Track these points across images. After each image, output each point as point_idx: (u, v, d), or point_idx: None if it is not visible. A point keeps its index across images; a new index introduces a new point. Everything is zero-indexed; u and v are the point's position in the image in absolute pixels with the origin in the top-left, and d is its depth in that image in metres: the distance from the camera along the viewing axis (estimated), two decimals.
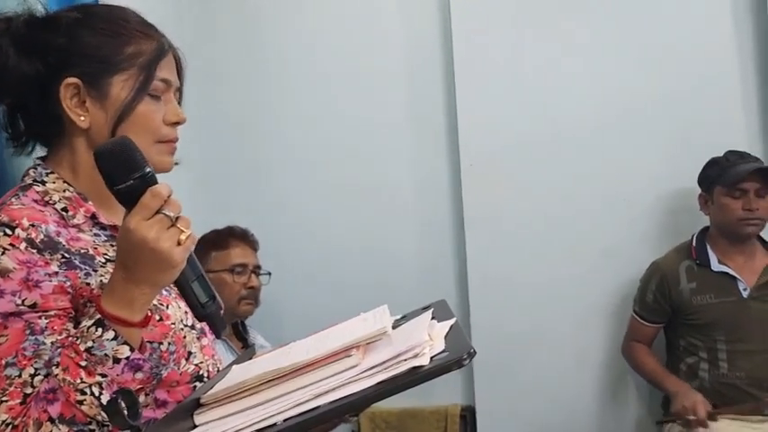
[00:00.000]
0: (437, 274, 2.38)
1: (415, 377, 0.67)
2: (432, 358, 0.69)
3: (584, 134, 2.28)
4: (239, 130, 2.44)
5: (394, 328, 0.80)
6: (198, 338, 0.89)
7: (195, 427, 0.73)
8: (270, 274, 2.07)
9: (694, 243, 2.05)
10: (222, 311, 0.83)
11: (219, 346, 1.72)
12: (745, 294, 1.95)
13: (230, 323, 1.96)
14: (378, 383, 0.68)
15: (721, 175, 1.97)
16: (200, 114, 2.09)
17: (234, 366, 0.85)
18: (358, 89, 2.39)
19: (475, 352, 0.66)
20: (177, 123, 0.90)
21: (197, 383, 0.87)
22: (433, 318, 0.84)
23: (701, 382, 1.95)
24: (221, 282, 1.89)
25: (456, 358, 0.66)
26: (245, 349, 1.77)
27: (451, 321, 0.82)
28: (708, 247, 2.03)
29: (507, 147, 2.29)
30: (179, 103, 0.92)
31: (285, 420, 0.68)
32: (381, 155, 2.42)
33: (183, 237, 0.74)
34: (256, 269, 2.01)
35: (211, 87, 2.31)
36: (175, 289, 0.83)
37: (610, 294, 2.28)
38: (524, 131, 2.28)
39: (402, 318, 0.90)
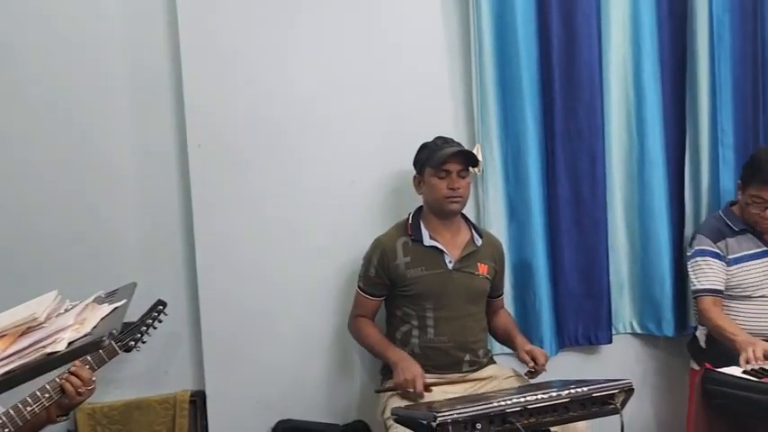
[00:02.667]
0: (165, 256, 2.29)
1: (48, 362, 0.62)
2: (72, 342, 0.65)
3: (312, 119, 2.35)
4: None
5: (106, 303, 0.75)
6: None
7: None
8: None
9: (410, 220, 2.23)
10: None
11: None
12: (450, 266, 2.17)
13: None
14: (6, 372, 0.62)
15: (430, 158, 2.17)
16: None
17: None
18: (76, 64, 2.22)
19: (116, 332, 0.64)
20: None
21: None
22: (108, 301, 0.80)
23: (413, 348, 2.14)
24: None
25: (94, 340, 0.63)
26: None
27: (119, 303, 0.78)
28: (421, 223, 2.22)
29: (236, 129, 2.28)
30: None
31: None
32: (103, 134, 2.26)
33: None
34: None
35: None
36: None
37: (338, 272, 2.40)
38: (252, 114, 2.29)
39: (112, 293, 0.86)
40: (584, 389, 1.57)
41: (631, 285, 2.69)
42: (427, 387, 1.99)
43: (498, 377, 2.14)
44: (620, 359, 2.71)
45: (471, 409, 1.49)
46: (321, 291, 2.38)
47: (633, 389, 1.63)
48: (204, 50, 2.25)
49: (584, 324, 2.59)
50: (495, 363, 2.26)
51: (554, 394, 1.54)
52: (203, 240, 2.26)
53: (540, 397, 1.52)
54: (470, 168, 2.24)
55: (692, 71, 2.66)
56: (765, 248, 2.46)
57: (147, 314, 2.04)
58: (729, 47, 2.71)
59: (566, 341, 2.58)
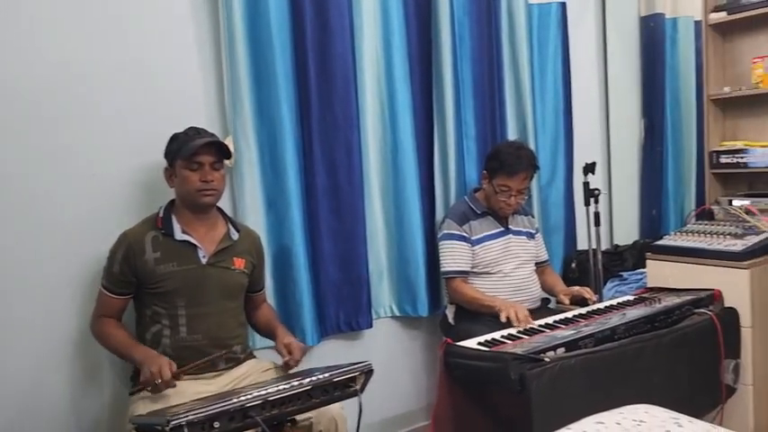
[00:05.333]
0: None
1: None
2: None
3: (52, 110, 2.10)
4: None
5: None
6: None
7: None
8: None
9: (161, 214, 2.10)
10: None
11: None
12: (204, 261, 2.08)
13: None
14: None
15: (180, 149, 2.05)
16: None
17: None
18: None
19: None
20: None
21: None
22: None
23: (164, 349, 2.01)
24: None
25: None
26: None
27: None
28: (173, 217, 2.10)
29: None
30: None
31: None
32: None
33: None
34: None
35: None
36: None
37: (83, 270, 2.18)
38: None
39: None
40: (326, 375, 1.60)
41: (389, 270, 2.83)
42: (177, 375, 1.86)
43: (256, 372, 2.11)
44: (382, 342, 2.84)
45: (209, 408, 1.43)
46: (61, 293, 2.15)
47: (372, 370, 1.69)
48: None
49: (346, 311, 2.66)
50: (254, 357, 2.23)
51: (295, 383, 1.54)
52: None
53: (281, 387, 1.51)
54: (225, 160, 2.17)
55: (437, 67, 2.86)
56: (503, 229, 2.74)
57: None
58: (469, 46, 2.96)
59: (328, 329, 2.63)
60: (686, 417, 1.32)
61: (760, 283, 2.54)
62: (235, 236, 2.15)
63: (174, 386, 1.86)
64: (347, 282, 2.65)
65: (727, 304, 2.52)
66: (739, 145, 3.17)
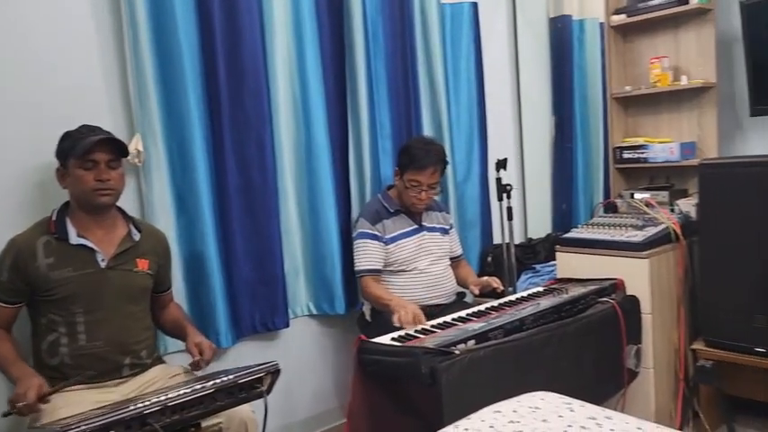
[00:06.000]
0: None
1: None
2: None
3: None
4: None
5: None
6: None
7: None
8: None
9: (54, 217, 2.00)
10: None
11: None
12: (103, 265, 1.99)
13: None
14: None
15: (73, 148, 1.96)
16: None
17: None
18: None
19: None
20: None
21: None
22: None
23: (62, 358, 1.93)
24: None
25: None
26: None
27: None
28: (68, 220, 2.00)
29: None
30: None
31: None
32: None
33: None
34: None
35: None
36: None
37: None
38: None
39: None
40: (230, 377, 1.57)
41: (306, 269, 2.81)
42: (43, 398, 1.75)
43: (164, 377, 2.04)
44: (300, 341, 2.82)
45: (105, 417, 1.38)
46: None
47: (279, 370, 1.67)
48: None
49: (261, 311, 2.63)
50: (163, 362, 2.16)
51: (198, 387, 1.51)
52: None
53: (182, 392, 1.47)
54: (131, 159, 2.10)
55: (351, 66, 2.86)
56: (416, 226, 2.77)
57: None
58: (383, 45, 2.98)
59: (243, 330, 2.59)
60: (578, 401, 1.38)
61: (658, 272, 2.67)
62: (137, 236, 2.08)
63: (37, 410, 1.74)
64: (262, 281, 2.61)
65: (629, 292, 2.64)
66: (640, 141, 3.32)
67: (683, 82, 3.14)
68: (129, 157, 2.12)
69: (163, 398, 1.45)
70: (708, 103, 3.14)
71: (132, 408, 1.41)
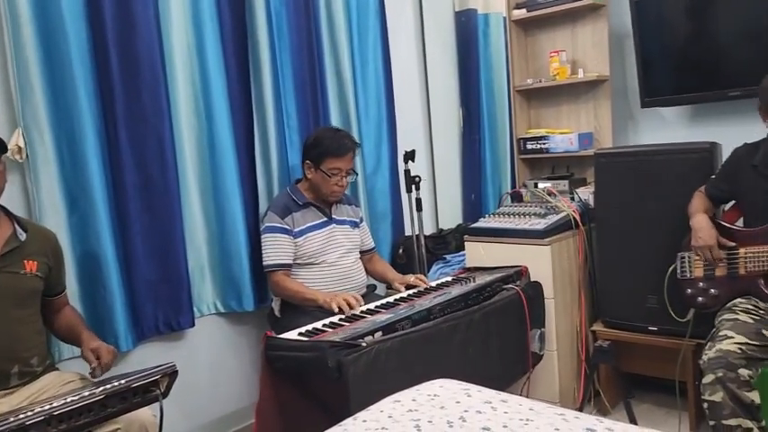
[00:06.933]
0: None
1: None
2: None
3: None
4: None
5: None
6: None
7: None
8: None
9: None
10: None
11: None
12: None
13: None
14: None
15: None
16: None
17: None
18: None
19: None
20: None
21: None
22: None
23: None
24: None
25: None
26: None
27: None
28: None
29: None
30: None
31: None
32: None
33: None
34: None
35: None
36: None
37: None
38: None
39: None
40: (122, 381, 1.50)
41: (211, 267, 2.74)
42: None
43: (56, 385, 1.93)
44: (207, 340, 2.75)
45: None
46: None
47: (177, 371, 1.62)
48: None
49: (164, 311, 2.54)
50: (56, 369, 2.05)
51: (86, 393, 1.43)
52: None
53: (69, 400, 1.40)
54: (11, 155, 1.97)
55: (255, 59, 2.80)
56: (326, 219, 2.75)
57: None
58: (288, 38, 2.93)
59: (146, 332, 2.49)
60: (476, 387, 1.41)
61: (560, 258, 2.78)
62: (23, 236, 1.95)
63: None
64: (165, 281, 2.52)
65: (532, 279, 2.73)
66: (542, 132, 3.44)
67: (580, 75, 3.28)
68: (8, 153, 1.98)
69: (47, 407, 1.37)
70: (603, 95, 3.29)
71: (13, 419, 1.32)
